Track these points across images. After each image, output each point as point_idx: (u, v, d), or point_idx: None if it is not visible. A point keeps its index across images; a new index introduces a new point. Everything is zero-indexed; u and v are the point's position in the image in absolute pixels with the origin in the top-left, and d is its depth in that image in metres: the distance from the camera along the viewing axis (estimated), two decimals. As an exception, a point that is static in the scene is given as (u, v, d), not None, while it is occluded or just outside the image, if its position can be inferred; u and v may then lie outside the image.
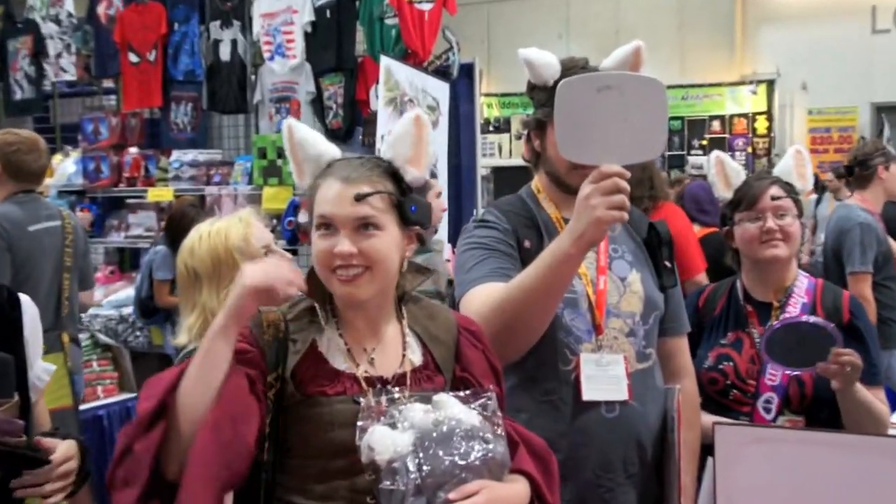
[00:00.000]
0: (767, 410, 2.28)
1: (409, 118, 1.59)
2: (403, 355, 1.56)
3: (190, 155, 6.03)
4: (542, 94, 2.04)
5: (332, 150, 1.58)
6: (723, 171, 2.42)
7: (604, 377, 1.94)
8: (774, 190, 2.36)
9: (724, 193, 2.44)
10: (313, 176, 1.56)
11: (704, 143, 13.93)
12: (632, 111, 1.61)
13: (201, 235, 2.04)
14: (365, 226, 1.49)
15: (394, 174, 1.55)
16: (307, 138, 1.59)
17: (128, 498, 1.41)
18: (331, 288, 1.53)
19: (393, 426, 1.41)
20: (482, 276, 1.92)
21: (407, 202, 1.53)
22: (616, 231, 1.70)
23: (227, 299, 1.49)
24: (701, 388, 2.30)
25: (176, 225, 4.73)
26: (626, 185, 1.64)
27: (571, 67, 1.99)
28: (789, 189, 2.39)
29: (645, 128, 1.64)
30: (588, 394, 1.93)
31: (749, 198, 2.37)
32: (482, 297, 1.84)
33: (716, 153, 2.46)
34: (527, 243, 2.02)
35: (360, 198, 1.48)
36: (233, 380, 1.46)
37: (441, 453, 1.37)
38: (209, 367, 1.45)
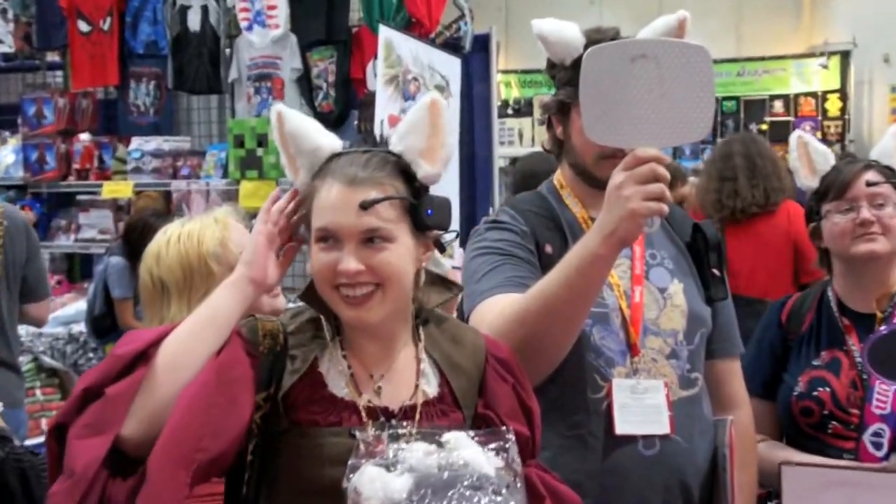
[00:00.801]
0: (877, 446, 2.21)
1: (424, 104, 1.60)
2: (416, 385, 1.57)
3: (153, 143, 6.07)
4: (564, 73, 2.07)
5: (330, 143, 1.59)
6: (807, 155, 2.38)
7: (641, 407, 1.94)
8: (871, 175, 2.31)
9: (808, 182, 2.40)
10: (310, 173, 1.58)
11: (764, 127, 13.92)
12: (671, 84, 1.60)
13: (169, 239, 2.05)
14: (372, 238, 1.51)
15: (405, 171, 1.57)
16: (301, 129, 1.59)
17: (96, 447, 1.41)
18: (335, 309, 1.55)
19: (388, 467, 1.40)
20: (496, 286, 1.93)
21: (422, 205, 1.54)
22: (654, 228, 1.73)
23: (238, 266, 1.56)
24: (792, 420, 2.30)
25: (136, 237, 4.75)
26: (665, 173, 1.63)
27: (598, 40, 1.98)
28: (889, 174, 2.33)
29: (687, 104, 1.62)
30: (622, 427, 1.94)
31: (839, 185, 2.32)
32: (496, 310, 1.85)
33: (798, 134, 2.42)
34: (548, 248, 2.03)
35: (366, 206, 1.49)
36: (231, 348, 1.50)
37: None
38: (209, 321, 1.50)
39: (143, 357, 1.47)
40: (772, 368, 2.43)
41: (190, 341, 1.48)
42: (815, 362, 2.35)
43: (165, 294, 2.02)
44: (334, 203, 1.51)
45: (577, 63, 1.93)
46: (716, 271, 2.07)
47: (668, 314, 2.01)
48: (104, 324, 5.15)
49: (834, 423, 2.28)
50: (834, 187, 2.34)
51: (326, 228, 1.51)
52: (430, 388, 1.58)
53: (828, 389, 2.30)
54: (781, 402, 2.38)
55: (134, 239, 4.81)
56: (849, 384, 2.29)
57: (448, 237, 1.64)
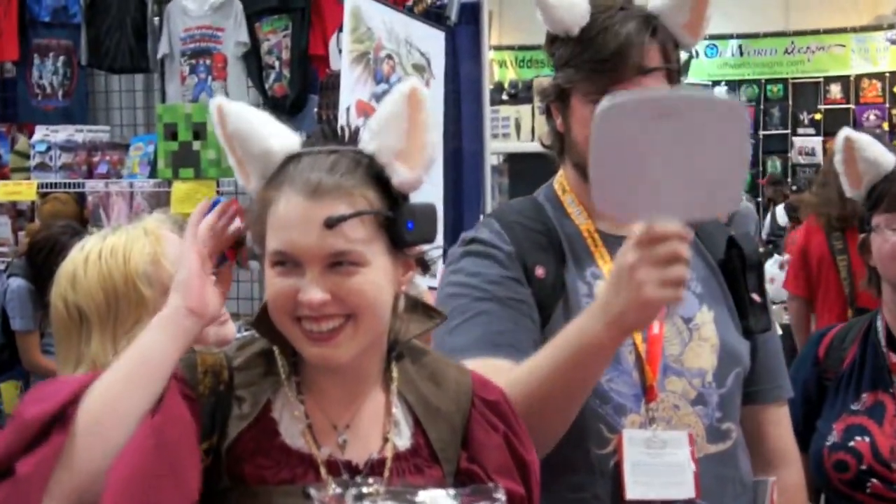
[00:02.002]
0: None
1: (401, 93, 1.59)
2: (385, 438, 1.60)
3: (62, 133, 6.06)
4: (565, 49, 2.07)
5: (284, 143, 1.60)
6: (853, 161, 2.40)
7: (658, 466, 1.93)
8: None
9: (852, 193, 2.45)
10: (262, 178, 1.59)
11: (818, 116, 14.09)
12: (699, 147, 1.60)
13: (88, 257, 2.04)
14: (340, 262, 1.51)
15: (378, 176, 1.57)
16: (246, 128, 1.60)
17: None
18: (295, 345, 1.57)
19: None
20: (470, 346, 1.94)
21: (401, 218, 1.55)
22: (673, 315, 1.78)
23: (171, 295, 1.57)
24: (824, 476, 2.34)
25: (42, 258, 4.79)
26: (685, 252, 1.63)
27: (607, 9, 2.03)
28: None
29: (716, 170, 1.62)
30: (634, 490, 1.92)
31: (892, 196, 2.36)
32: None
33: (846, 133, 2.43)
34: (539, 271, 2.04)
35: (332, 224, 1.49)
36: (170, 400, 1.51)
37: None
38: (141, 367, 1.50)
39: (60, 419, 1.45)
40: (804, 413, 2.46)
41: (118, 396, 1.48)
42: (854, 406, 2.40)
43: (84, 325, 2.01)
44: (293, 220, 1.51)
45: (581, 36, 2.00)
46: (756, 296, 2.08)
47: (695, 349, 2.02)
48: (1, 358, 5.18)
49: (873, 480, 2.32)
50: (886, 197, 2.38)
51: (283, 251, 1.51)
52: (402, 438, 1.61)
53: (867, 440, 2.35)
54: (813, 453, 2.42)
55: (40, 260, 4.82)
56: (893, 434, 2.34)
57: (435, 253, 1.66)
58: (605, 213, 1.82)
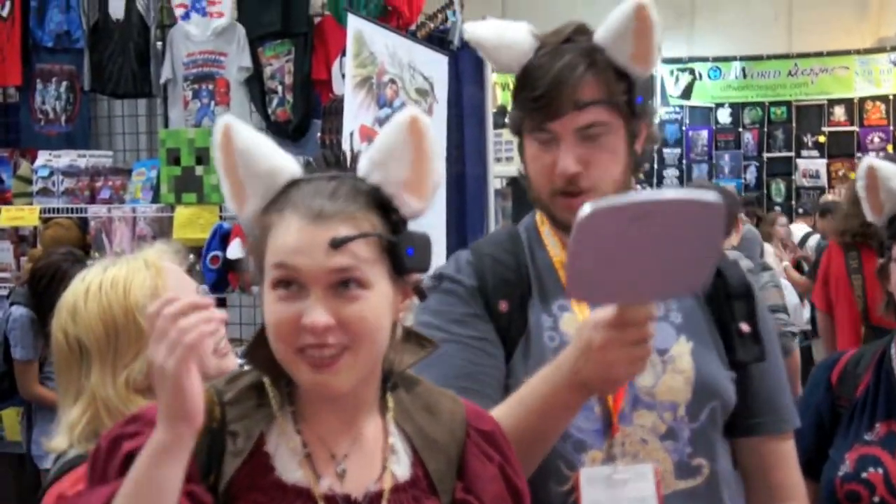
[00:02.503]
0: None
1: (402, 123, 1.59)
2: (384, 466, 1.59)
3: (65, 158, 6.12)
4: (514, 86, 2.08)
5: (290, 166, 1.60)
6: (875, 189, 2.38)
7: (620, 502, 1.91)
8: None
9: (874, 219, 2.41)
10: (263, 201, 1.58)
11: (822, 139, 14.08)
12: (674, 242, 1.62)
13: (89, 289, 2.03)
14: (345, 283, 1.50)
15: (380, 203, 1.58)
16: (255, 147, 1.59)
17: None
18: (293, 373, 1.56)
19: None
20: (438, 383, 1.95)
21: (402, 243, 1.55)
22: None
23: (158, 398, 1.46)
24: None
25: (43, 286, 4.80)
26: (651, 331, 1.69)
27: (550, 45, 2.02)
28: None
29: (688, 259, 1.66)
30: None
31: None
32: None
33: (868, 162, 2.39)
34: (502, 305, 2.04)
35: (338, 244, 1.49)
36: None
37: None
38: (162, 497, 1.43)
39: None
40: (816, 441, 2.45)
41: None
42: (866, 436, 2.38)
43: (84, 358, 2.00)
44: (298, 241, 1.50)
45: (522, 73, 2.01)
46: (744, 326, 2.06)
47: (668, 382, 1.99)
48: (2, 386, 5.19)
49: None
50: None
51: (286, 268, 1.50)
52: (401, 469, 1.60)
53: (880, 471, 2.33)
54: (825, 483, 2.40)
55: (41, 288, 4.83)
56: None
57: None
58: (578, 299, 1.86)
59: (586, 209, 1.60)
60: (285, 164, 1.59)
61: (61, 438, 1.99)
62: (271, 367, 1.57)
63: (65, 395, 2.03)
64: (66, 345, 2.02)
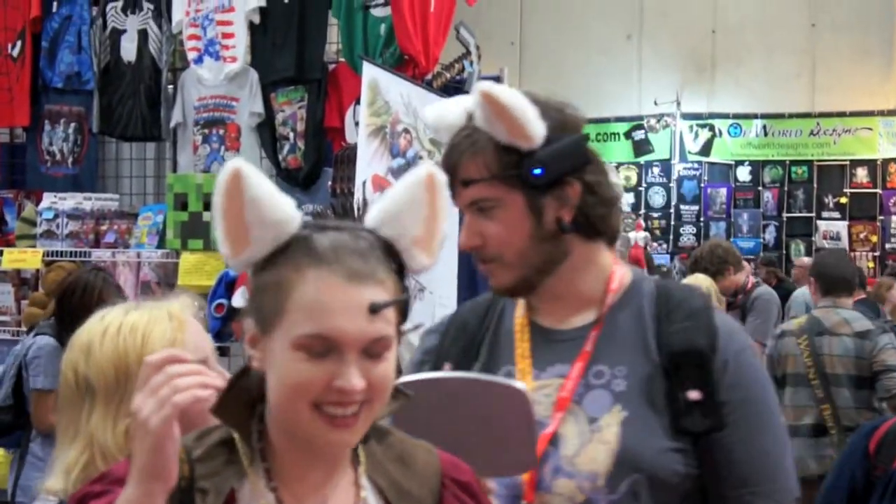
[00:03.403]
0: None
1: (419, 180, 1.60)
2: None
3: (70, 201, 6.14)
4: None
5: (297, 217, 1.57)
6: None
7: None
8: None
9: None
10: (269, 249, 1.55)
11: (843, 200, 14.07)
12: (482, 421, 1.78)
13: (106, 330, 2.02)
14: (378, 348, 1.51)
15: (393, 257, 1.58)
16: (268, 195, 1.56)
17: None
18: (305, 430, 1.53)
19: None
20: None
21: (409, 299, 1.57)
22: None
23: (133, 452, 1.45)
24: None
25: (73, 304, 4.78)
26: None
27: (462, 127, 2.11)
28: None
29: (505, 441, 1.80)
30: None
31: None
32: None
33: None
34: (447, 366, 2.12)
35: (377, 309, 1.49)
36: None
37: None
38: None
39: None
40: None
41: None
42: None
43: (88, 398, 1.99)
44: (335, 304, 1.49)
45: (452, 147, 2.08)
46: (693, 393, 2.01)
47: (590, 452, 2.00)
48: (2, 420, 5.15)
49: None
50: None
51: (325, 336, 1.49)
52: None
53: None
54: None
55: (74, 305, 4.81)
56: None
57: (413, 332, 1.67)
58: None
59: (401, 379, 1.69)
60: (295, 213, 1.56)
61: (56, 480, 1.96)
62: (242, 423, 1.56)
63: (64, 432, 2.01)
64: (75, 382, 2.00)
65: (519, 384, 1.77)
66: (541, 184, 2.01)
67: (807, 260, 11.15)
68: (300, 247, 1.54)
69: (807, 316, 5.92)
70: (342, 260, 1.52)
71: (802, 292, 9.38)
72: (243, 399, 1.57)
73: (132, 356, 1.97)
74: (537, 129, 1.99)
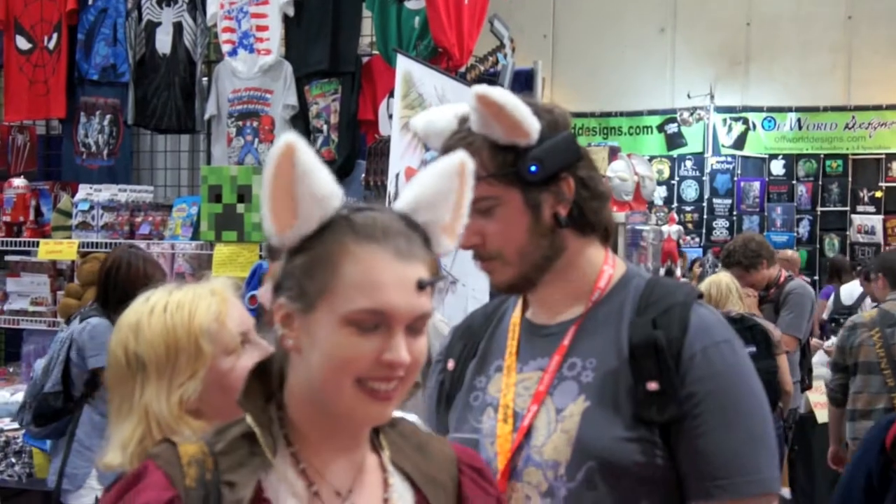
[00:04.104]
0: None
1: (453, 168, 1.65)
2: (385, 501, 1.62)
3: (106, 192, 6.20)
4: None
5: (340, 193, 1.61)
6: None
7: None
8: None
9: None
10: (316, 224, 1.57)
11: (879, 194, 13.98)
12: None
13: (153, 308, 2.11)
14: (418, 323, 1.55)
15: (426, 242, 1.62)
16: (318, 169, 1.58)
17: None
18: (346, 405, 1.56)
19: None
20: None
21: (446, 279, 1.64)
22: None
23: None
24: None
25: (118, 280, 4.83)
26: None
27: (459, 132, 2.13)
28: None
29: None
30: None
31: None
32: None
33: None
34: (450, 364, 2.25)
35: (424, 286, 1.54)
36: None
37: None
38: None
39: None
40: (866, 501, 2.46)
41: None
42: None
43: (140, 373, 2.08)
44: (388, 279, 1.52)
45: (446, 151, 2.10)
46: (651, 384, 2.04)
47: (554, 441, 2.05)
48: (52, 406, 5.17)
49: None
50: None
51: (380, 311, 1.51)
52: None
53: None
54: None
55: (120, 280, 4.85)
56: None
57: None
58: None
59: None
60: (338, 190, 1.59)
61: (114, 454, 2.04)
62: (261, 410, 1.60)
63: (118, 410, 2.10)
64: (125, 360, 2.09)
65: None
66: (537, 180, 2.07)
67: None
68: (343, 225, 1.57)
69: (877, 309, 6.19)
70: (390, 238, 1.55)
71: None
72: (263, 390, 1.62)
73: (181, 330, 2.08)
74: (534, 125, 2.05)
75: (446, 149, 2.09)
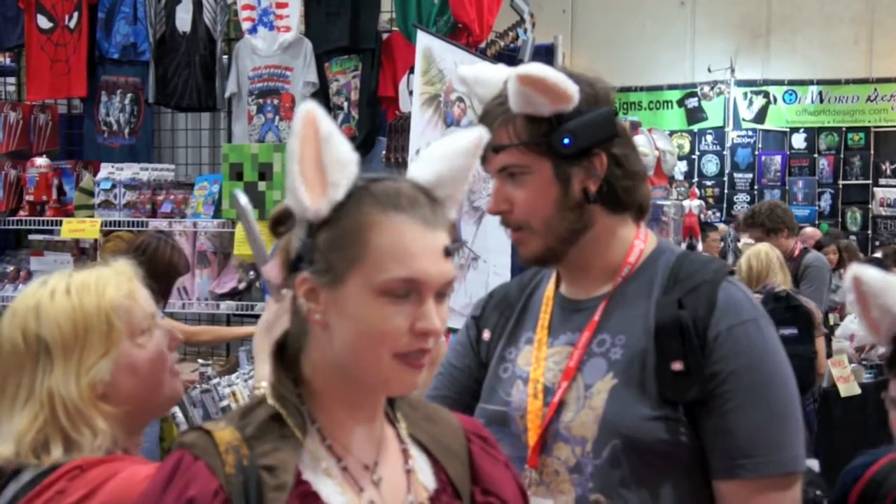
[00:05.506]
0: None
1: (469, 146, 1.66)
2: (408, 472, 1.64)
3: (127, 171, 6.22)
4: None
5: (357, 160, 1.60)
6: (865, 304, 1.97)
7: None
8: None
9: (876, 337, 2.02)
10: (345, 190, 1.56)
11: (902, 167, 13.91)
12: None
13: (54, 291, 2.04)
14: (446, 289, 1.57)
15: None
16: (337, 134, 1.58)
17: None
18: (383, 375, 1.56)
19: None
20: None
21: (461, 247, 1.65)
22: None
23: None
24: None
25: (151, 251, 4.92)
26: None
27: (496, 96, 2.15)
28: None
29: None
30: None
31: None
32: None
33: (852, 271, 1.95)
34: (485, 334, 2.28)
35: (451, 252, 1.56)
36: None
37: None
38: None
39: None
40: None
41: None
42: None
43: (43, 357, 2.00)
44: (420, 247, 1.54)
45: (485, 113, 2.16)
46: (676, 364, 2.04)
47: (582, 417, 2.07)
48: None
49: None
50: None
51: (415, 279, 1.52)
52: (427, 478, 1.66)
53: None
54: None
55: (150, 254, 4.90)
56: None
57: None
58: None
59: None
60: (355, 159, 1.59)
61: (5, 447, 1.96)
62: (291, 389, 1.61)
63: (12, 399, 2.00)
64: (24, 343, 2.00)
65: None
66: (569, 153, 2.07)
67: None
68: (365, 195, 1.56)
69: None
70: (417, 207, 1.57)
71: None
72: (287, 370, 1.63)
73: (89, 307, 2.01)
74: (573, 87, 2.05)
75: (485, 112, 2.14)
